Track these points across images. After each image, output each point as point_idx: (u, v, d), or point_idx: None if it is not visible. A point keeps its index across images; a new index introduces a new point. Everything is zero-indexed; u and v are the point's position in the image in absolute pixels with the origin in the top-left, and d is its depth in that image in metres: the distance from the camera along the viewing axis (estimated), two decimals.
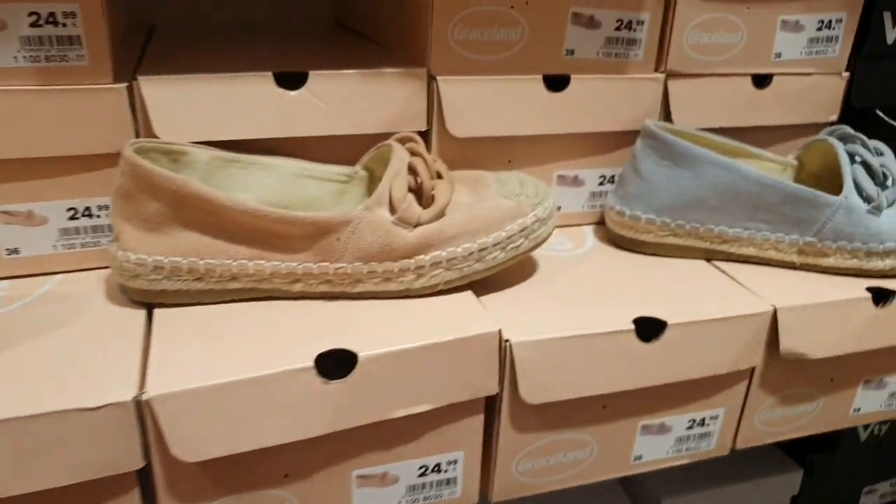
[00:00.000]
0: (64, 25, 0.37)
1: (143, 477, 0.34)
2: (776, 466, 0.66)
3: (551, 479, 0.44)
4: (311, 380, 0.34)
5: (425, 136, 0.46)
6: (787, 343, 0.43)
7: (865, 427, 0.65)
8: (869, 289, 0.45)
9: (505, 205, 0.41)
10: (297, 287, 0.39)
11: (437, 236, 0.39)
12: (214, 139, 0.41)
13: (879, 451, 0.67)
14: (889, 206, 0.46)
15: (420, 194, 0.40)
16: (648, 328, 0.40)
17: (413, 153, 0.42)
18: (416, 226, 0.39)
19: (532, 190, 0.43)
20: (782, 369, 0.46)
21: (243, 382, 0.33)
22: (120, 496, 0.34)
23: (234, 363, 0.34)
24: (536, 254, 0.48)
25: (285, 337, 0.36)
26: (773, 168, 0.52)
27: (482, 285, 0.42)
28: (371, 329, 0.37)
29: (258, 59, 0.46)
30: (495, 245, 0.40)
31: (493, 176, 0.45)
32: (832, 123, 0.56)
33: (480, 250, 0.40)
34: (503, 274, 0.43)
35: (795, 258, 0.47)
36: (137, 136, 0.40)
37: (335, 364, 0.35)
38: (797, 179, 0.53)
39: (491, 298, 0.41)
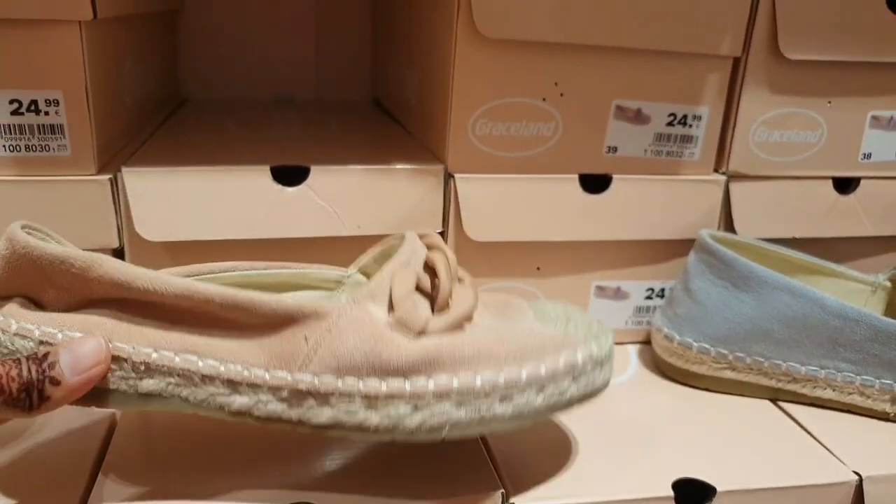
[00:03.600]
0: (46, 114, 0.34)
1: None
2: None
3: None
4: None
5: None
6: None
7: None
8: None
9: (546, 332, 0.30)
10: (238, 402, 0.28)
11: (449, 353, 0.28)
12: (200, 238, 0.37)
13: None
14: None
15: (433, 300, 0.30)
16: (691, 495, 0.32)
17: (431, 247, 0.33)
18: (420, 333, 0.28)
19: (584, 322, 0.32)
20: None
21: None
22: None
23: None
24: None
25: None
26: (858, 290, 0.44)
27: None
28: None
29: (267, 147, 0.43)
30: (530, 383, 0.28)
31: (528, 303, 0.34)
32: None
33: (507, 386, 0.28)
34: None
35: (888, 407, 0.38)
36: (120, 232, 0.37)
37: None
38: (889, 304, 0.44)
39: (503, 445, 0.35)
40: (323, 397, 0.27)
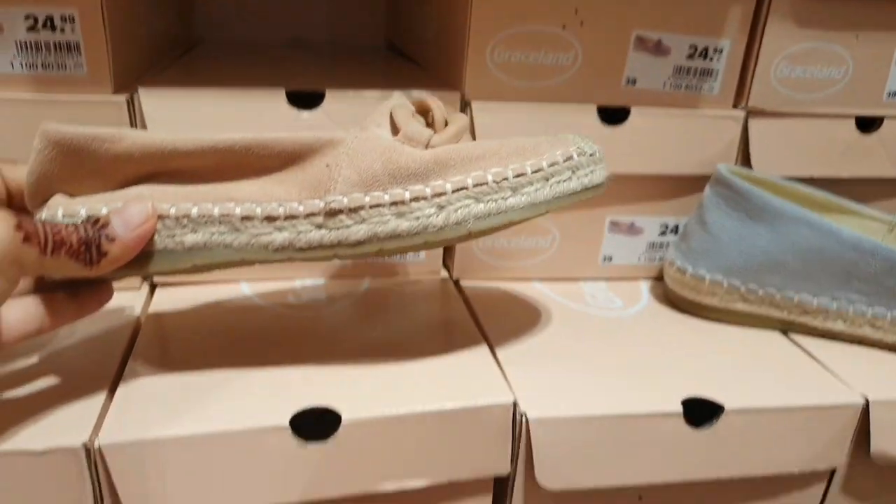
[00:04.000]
0: (62, 31, 0.34)
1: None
2: None
3: None
4: (285, 440, 0.29)
5: None
6: (881, 444, 0.35)
7: None
8: None
9: (539, 137, 0.32)
10: (280, 238, 0.29)
11: (459, 155, 0.30)
12: None
13: None
14: None
15: (430, 126, 0.32)
16: (700, 412, 0.33)
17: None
18: (426, 147, 0.30)
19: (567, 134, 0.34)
20: (872, 475, 0.37)
21: (208, 437, 0.29)
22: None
23: (202, 415, 0.30)
24: (577, 311, 0.42)
25: (262, 390, 0.32)
26: (874, 228, 0.44)
27: (499, 337, 0.36)
28: (361, 387, 0.32)
29: (282, 77, 0.43)
30: (535, 172, 0.30)
31: None
32: None
33: (517, 175, 0.30)
34: (528, 329, 0.37)
35: None
36: None
37: (315, 424, 0.30)
38: None
39: (513, 361, 0.35)
40: (355, 213, 0.29)
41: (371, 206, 0.29)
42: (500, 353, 0.36)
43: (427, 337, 0.37)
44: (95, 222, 0.27)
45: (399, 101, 0.32)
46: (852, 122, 0.45)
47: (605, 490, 0.34)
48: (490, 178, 0.30)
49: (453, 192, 0.29)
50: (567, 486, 0.33)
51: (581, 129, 0.41)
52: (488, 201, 0.30)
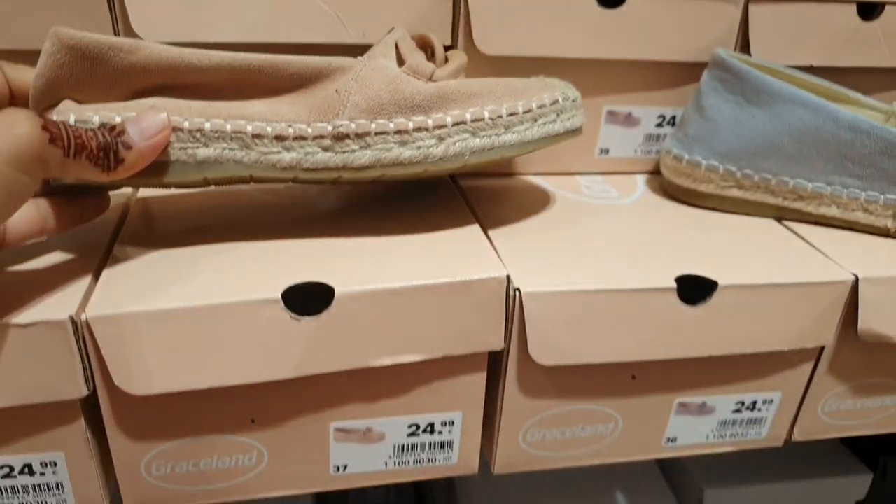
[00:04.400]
0: None
1: (90, 409, 0.31)
2: (840, 466, 0.58)
3: (566, 455, 0.38)
4: (277, 313, 0.30)
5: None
6: (868, 321, 0.36)
7: None
8: None
9: (529, 80, 0.35)
10: (288, 157, 0.31)
11: (459, 91, 0.32)
12: (200, 41, 0.36)
13: None
14: None
15: (432, 60, 0.34)
16: (694, 289, 0.33)
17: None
18: (430, 80, 0.32)
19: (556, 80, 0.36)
20: (859, 353, 0.38)
21: (197, 310, 0.29)
22: (63, 427, 0.30)
23: (191, 289, 0.30)
24: (572, 200, 0.42)
25: (253, 266, 0.32)
26: (872, 118, 0.43)
27: (494, 221, 0.36)
28: (355, 262, 0.32)
29: None
30: (526, 112, 0.33)
31: None
32: None
33: (510, 114, 0.32)
34: (522, 215, 0.37)
35: (890, 223, 0.39)
36: (115, 31, 0.36)
37: (308, 299, 0.30)
38: None
39: (504, 240, 0.35)
40: (361, 139, 0.31)
41: (376, 133, 0.31)
42: (493, 233, 0.36)
43: (421, 219, 0.37)
44: (112, 129, 0.27)
45: (403, 34, 0.34)
46: (853, 9, 0.44)
47: (599, 366, 0.35)
48: (486, 114, 0.32)
49: (453, 125, 0.32)
50: (560, 361, 0.33)
51: (577, 11, 0.40)
52: (483, 136, 0.32)
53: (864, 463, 0.59)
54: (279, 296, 0.29)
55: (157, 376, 0.29)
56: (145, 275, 0.31)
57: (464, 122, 0.32)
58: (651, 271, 0.34)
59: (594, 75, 0.43)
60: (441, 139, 0.32)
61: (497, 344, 0.33)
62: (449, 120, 0.31)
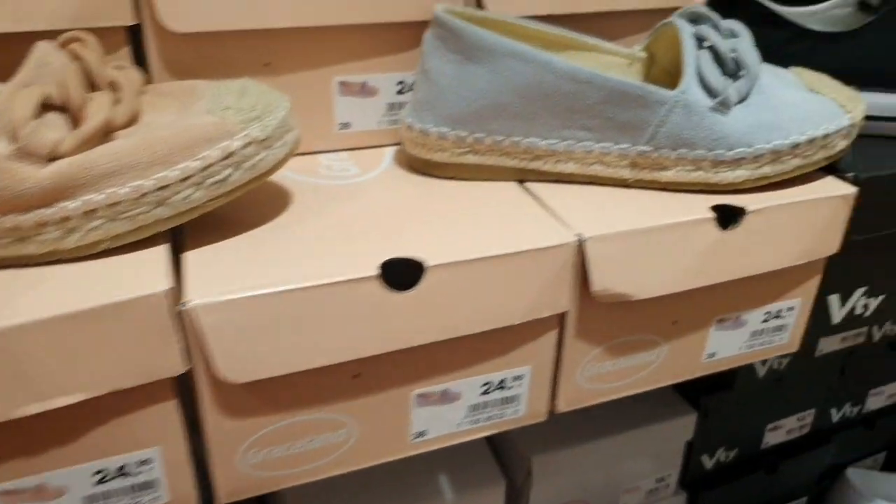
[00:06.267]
0: None
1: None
2: (666, 411, 0.58)
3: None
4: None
5: (136, 34, 0.35)
6: (602, 281, 0.34)
7: (763, 362, 0.56)
8: (714, 207, 0.36)
9: (203, 123, 0.29)
10: None
11: (84, 173, 0.27)
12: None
13: (781, 385, 0.59)
14: (740, 101, 0.36)
15: (72, 114, 0.29)
16: (401, 274, 0.30)
17: (75, 57, 0.30)
18: (52, 158, 0.27)
19: (251, 102, 0.31)
20: (603, 313, 0.36)
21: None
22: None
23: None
24: (303, 183, 0.38)
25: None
26: (614, 63, 0.42)
27: (196, 239, 0.32)
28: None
29: None
30: (185, 180, 0.29)
31: (213, 86, 0.32)
32: None
33: (160, 188, 0.28)
34: (234, 218, 0.33)
35: (627, 173, 0.37)
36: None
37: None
38: (647, 77, 0.42)
39: (199, 254, 0.31)
40: None
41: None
42: (191, 254, 0.32)
43: None
44: None
45: (23, 79, 0.28)
46: None
47: (316, 370, 0.31)
48: (126, 193, 0.28)
49: (84, 215, 0.28)
50: (257, 375, 0.30)
51: None
52: (128, 219, 0.28)
53: (689, 404, 0.59)
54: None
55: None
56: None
57: (97, 209, 0.28)
58: (356, 259, 0.30)
59: (318, 44, 0.39)
60: (70, 231, 0.28)
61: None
62: (77, 208, 0.27)
